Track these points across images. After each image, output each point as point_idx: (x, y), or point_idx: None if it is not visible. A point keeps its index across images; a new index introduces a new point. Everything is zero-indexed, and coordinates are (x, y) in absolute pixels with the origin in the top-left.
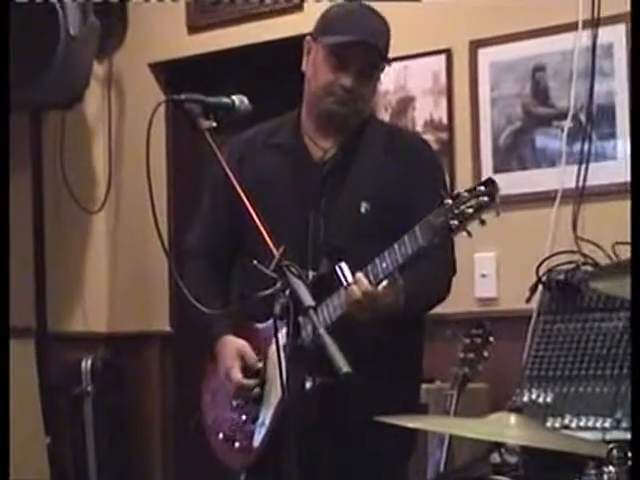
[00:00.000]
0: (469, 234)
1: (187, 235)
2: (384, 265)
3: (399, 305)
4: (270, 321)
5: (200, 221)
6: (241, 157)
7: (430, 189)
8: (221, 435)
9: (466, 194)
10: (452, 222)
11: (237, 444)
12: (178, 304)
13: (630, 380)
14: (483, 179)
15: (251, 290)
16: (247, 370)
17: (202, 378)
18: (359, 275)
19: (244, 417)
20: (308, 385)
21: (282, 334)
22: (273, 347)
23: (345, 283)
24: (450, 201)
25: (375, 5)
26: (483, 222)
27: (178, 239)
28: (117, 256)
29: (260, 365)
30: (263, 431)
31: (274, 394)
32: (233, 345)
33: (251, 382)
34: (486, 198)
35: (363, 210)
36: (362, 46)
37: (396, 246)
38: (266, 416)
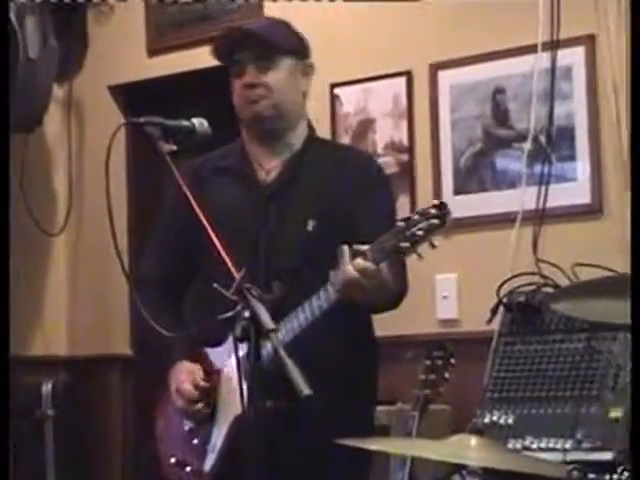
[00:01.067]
0: (419, 256)
1: (140, 262)
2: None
3: (392, 294)
4: (221, 346)
5: (153, 248)
6: (192, 184)
7: (375, 204)
8: (173, 459)
9: (417, 217)
10: (403, 244)
11: (189, 468)
12: (139, 327)
13: (630, 381)
14: (435, 202)
15: (205, 314)
16: (197, 388)
17: (155, 406)
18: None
19: (196, 440)
20: (266, 406)
21: (231, 360)
22: (226, 370)
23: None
24: (402, 224)
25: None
26: (433, 245)
27: (139, 262)
28: (77, 279)
29: (207, 385)
30: (214, 454)
31: (226, 417)
32: (184, 367)
33: (199, 405)
34: (436, 221)
35: (310, 228)
36: (243, 39)
37: (375, 245)
38: (218, 439)
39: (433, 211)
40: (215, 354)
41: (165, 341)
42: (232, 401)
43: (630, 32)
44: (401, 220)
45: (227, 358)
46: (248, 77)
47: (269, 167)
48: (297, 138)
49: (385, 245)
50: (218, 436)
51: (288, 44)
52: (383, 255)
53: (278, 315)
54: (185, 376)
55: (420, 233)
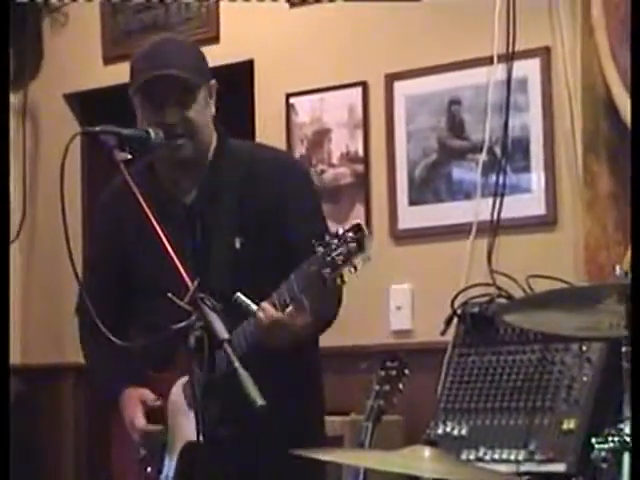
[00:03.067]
0: (343, 282)
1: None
2: (285, 294)
3: (308, 327)
4: (165, 371)
5: (88, 269)
6: (111, 217)
7: (300, 206)
8: None
9: (335, 241)
10: (325, 271)
11: None
12: (80, 330)
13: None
14: (352, 223)
15: (150, 333)
16: (151, 414)
17: (110, 433)
18: (264, 304)
19: (149, 469)
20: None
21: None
22: (173, 393)
23: (251, 312)
24: (321, 249)
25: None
26: (355, 268)
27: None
28: (31, 287)
29: (160, 406)
30: None
31: (176, 443)
32: (133, 394)
33: (156, 428)
34: (354, 244)
35: (238, 245)
36: (163, 81)
37: (284, 286)
38: (170, 467)
39: (350, 234)
40: (160, 379)
41: (106, 369)
42: (182, 426)
43: (631, 35)
44: (320, 245)
45: (172, 382)
46: (170, 115)
47: (185, 185)
48: (208, 153)
49: (308, 272)
50: (170, 464)
51: (201, 75)
52: (306, 283)
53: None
54: (136, 406)
55: (340, 258)
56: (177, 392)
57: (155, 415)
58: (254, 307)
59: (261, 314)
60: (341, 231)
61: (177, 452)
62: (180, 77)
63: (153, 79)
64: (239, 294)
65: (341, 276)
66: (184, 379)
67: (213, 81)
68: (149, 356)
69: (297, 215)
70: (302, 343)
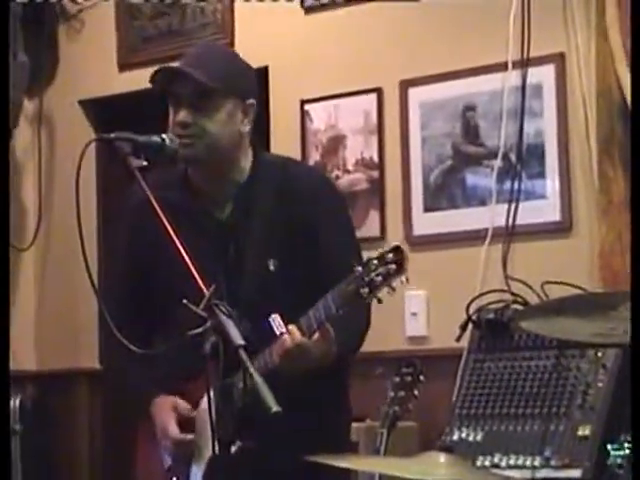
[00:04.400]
0: (379, 301)
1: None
2: (312, 320)
3: (331, 356)
4: (197, 381)
5: (114, 276)
6: (140, 220)
7: (335, 234)
8: None
9: (375, 262)
10: (363, 290)
11: None
12: (107, 341)
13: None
14: (392, 245)
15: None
16: (183, 423)
17: (135, 442)
18: (291, 327)
19: (175, 478)
20: (236, 445)
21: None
22: (204, 401)
23: (278, 333)
24: (360, 269)
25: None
26: (393, 289)
27: (108, 275)
28: (45, 293)
29: (193, 416)
30: None
31: (205, 451)
32: (165, 402)
33: (189, 436)
34: (394, 266)
35: (272, 268)
36: (182, 78)
37: (311, 312)
38: (197, 478)
39: (390, 256)
40: (191, 388)
41: (138, 376)
42: (210, 437)
43: (631, 35)
44: (359, 265)
45: (203, 392)
46: (181, 115)
47: (219, 199)
48: (241, 172)
49: (345, 291)
50: (197, 474)
51: (230, 86)
52: (342, 302)
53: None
54: (169, 414)
55: (379, 279)
56: (206, 402)
57: (186, 424)
58: (280, 330)
59: (286, 337)
60: (381, 252)
61: (204, 462)
62: (194, 77)
63: (168, 72)
64: (275, 315)
65: (378, 297)
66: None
67: (251, 100)
68: (180, 365)
69: (331, 235)
70: (320, 371)
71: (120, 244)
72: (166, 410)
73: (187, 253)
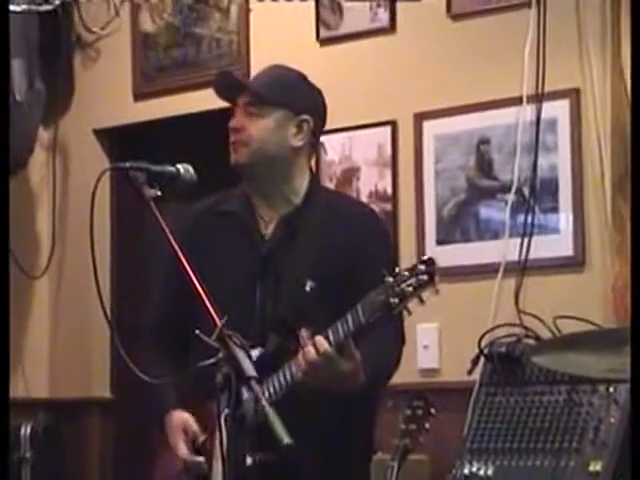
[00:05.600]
0: (409, 312)
1: (147, 310)
2: (340, 331)
3: (358, 380)
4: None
5: (152, 299)
6: (192, 228)
7: (375, 261)
8: None
9: (406, 273)
10: (393, 300)
11: None
12: (119, 371)
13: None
14: (423, 257)
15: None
16: (193, 444)
17: (151, 456)
18: (318, 337)
19: None
20: (249, 461)
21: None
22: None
23: (304, 346)
24: (391, 279)
25: None
26: (422, 301)
27: (120, 306)
28: (59, 322)
29: (202, 439)
30: None
31: (220, 471)
32: (178, 419)
33: (197, 458)
34: (425, 277)
35: (308, 289)
36: (235, 85)
37: (339, 323)
38: None
39: (422, 267)
40: (214, 404)
41: (156, 389)
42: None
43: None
44: (390, 275)
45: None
46: (234, 121)
47: (267, 219)
48: (295, 193)
49: (375, 300)
50: None
51: (279, 96)
52: (372, 311)
53: (269, 369)
54: (178, 433)
55: (409, 289)
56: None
57: (196, 441)
58: (307, 342)
59: (311, 348)
60: (413, 264)
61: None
62: (245, 85)
63: (225, 78)
64: (304, 329)
65: (407, 308)
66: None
67: (305, 116)
68: (198, 387)
69: (372, 268)
70: (347, 393)
71: (164, 264)
72: (177, 429)
73: (227, 268)
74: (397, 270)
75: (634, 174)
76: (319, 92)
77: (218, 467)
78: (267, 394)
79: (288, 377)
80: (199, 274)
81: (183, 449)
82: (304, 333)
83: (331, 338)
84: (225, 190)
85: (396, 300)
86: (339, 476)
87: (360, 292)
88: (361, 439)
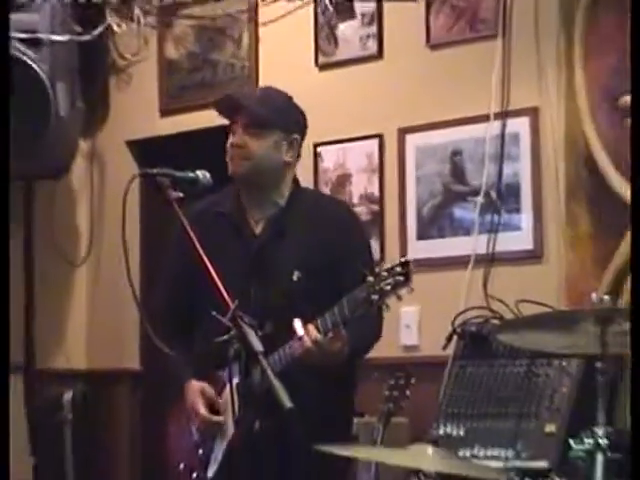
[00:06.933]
0: (387, 307)
1: (153, 295)
2: (328, 321)
3: (344, 354)
4: (224, 369)
5: (162, 282)
6: (197, 226)
7: (353, 251)
8: (182, 465)
9: (385, 273)
10: (373, 297)
11: (194, 474)
12: (146, 346)
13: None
14: (401, 260)
15: (207, 340)
16: (209, 406)
17: (168, 419)
18: (310, 326)
19: (201, 451)
20: (257, 425)
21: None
22: (228, 389)
23: (299, 334)
24: (372, 279)
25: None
26: (399, 297)
27: (148, 290)
28: (95, 303)
29: (219, 402)
30: (216, 464)
31: (227, 432)
32: (196, 387)
33: (215, 417)
34: (402, 278)
35: (295, 278)
36: (238, 107)
37: (328, 313)
38: (219, 451)
39: (399, 269)
40: (222, 375)
41: (175, 362)
42: (231, 420)
43: (631, 35)
44: (371, 275)
45: (228, 379)
46: (236, 138)
47: (257, 219)
48: (281, 196)
49: (358, 297)
50: (220, 448)
51: (277, 120)
52: (355, 306)
53: (269, 349)
54: (197, 396)
55: (388, 288)
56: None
57: (212, 407)
58: (301, 332)
59: (305, 336)
60: (391, 265)
61: (227, 439)
62: (250, 108)
63: (231, 101)
64: (297, 319)
65: (385, 303)
66: (235, 380)
67: (296, 135)
68: (210, 359)
69: (352, 257)
70: (334, 366)
71: (171, 256)
72: (195, 394)
73: (225, 261)
74: (377, 270)
75: (634, 174)
76: (302, 112)
77: (226, 429)
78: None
79: (286, 357)
80: (198, 267)
81: (203, 410)
82: (297, 323)
83: (321, 327)
84: (218, 191)
85: (376, 297)
86: (326, 433)
87: (340, 279)
88: (343, 402)
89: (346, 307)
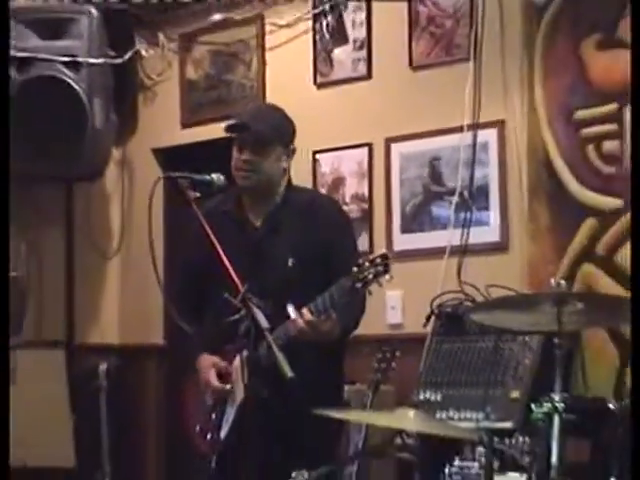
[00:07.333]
0: (370, 293)
1: (173, 282)
2: (320, 305)
3: (335, 333)
4: (232, 344)
5: (180, 271)
6: (207, 222)
7: (340, 242)
8: (198, 428)
9: (367, 264)
10: (357, 285)
11: (209, 436)
12: (169, 325)
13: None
14: (380, 252)
15: (217, 319)
16: (220, 376)
17: (185, 387)
18: (304, 309)
19: (214, 415)
20: (264, 392)
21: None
22: (236, 362)
23: (292, 317)
24: (356, 269)
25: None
26: (380, 284)
27: (170, 277)
28: (126, 288)
29: (228, 372)
30: (227, 426)
31: (237, 398)
32: (208, 360)
33: (224, 386)
34: (382, 268)
35: (290, 264)
36: (247, 130)
37: (319, 298)
38: (230, 415)
39: (379, 260)
40: (231, 349)
41: (190, 339)
42: (241, 387)
43: (631, 34)
44: (356, 266)
45: (236, 353)
46: (246, 155)
47: (256, 214)
48: (277, 194)
49: (344, 285)
50: (231, 412)
51: (279, 137)
52: (342, 293)
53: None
54: (209, 368)
55: (370, 277)
56: (239, 362)
57: (223, 377)
58: (294, 315)
59: (299, 318)
60: (373, 257)
61: (237, 404)
62: (257, 130)
63: (239, 125)
64: (289, 304)
65: (369, 290)
66: (244, 353)
67: (292, 146)
68: (221, 335)
69: (340, 249)
70: (326, 343)
71: (188, 248)
72: (208, 365)
73: (230, 252)
74: (360, 262)
75: (634, 174)
76: (292, 121)
77: (236, 396)
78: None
79: (284, 335)
80: (210, 257)
81: (214, 379)
82: (290, 307)
83: (313, 310)
84: (224, 193)
85: (360, 285)
86: (319, 398)
87: (329, 267)
88: (334, 372)
89: (335, 294)
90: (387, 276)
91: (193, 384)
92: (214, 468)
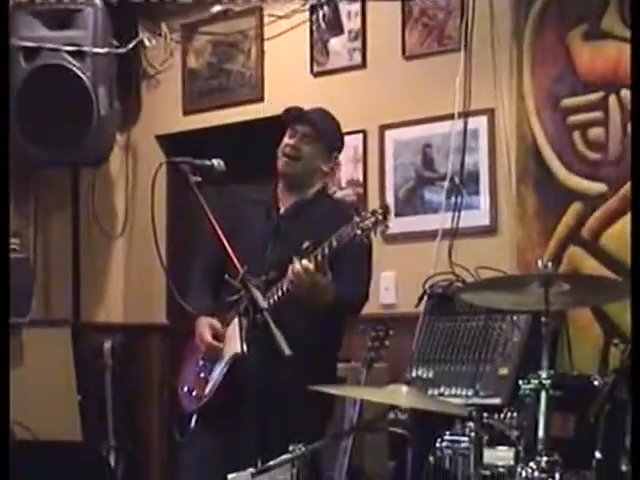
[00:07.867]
0: (369, 239)
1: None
2: (319, 254)
3: (329, 294)
4: (229, 312)
5: (201, 253)
6: (236, 210)
7: (352, 249)
8: (185, 388)
9: (368, 214)
10: (357, 232)
11: (194, 392)
12: (171, 304)
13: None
14: (381, 204)
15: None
16: (215, 337)
17: (183, 355)
18: (303, 260)
19: (203, 374)
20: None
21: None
22: (231, 326)
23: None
24: (357, 218)
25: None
26: (384, 229)
27: (173, 259)
28: (130, 268)
29: (223, 331)
30: (213, 382)
31: (227, 355)
32: (205, 320)
33: (218, 343)
34: (380, 217)
35: (304, 247)
36: (303, 116)
37: (319, 248)
38: (218, 371)
39: (379, 210)
40: (227, 317)
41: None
42: (232, 346)
43: (631, 34)
44: (356, 215)
45: (231, 320)
46: (294, 140)
47: (286, 203)
48: (310, 192)
49: (344, 232)
50: (217, 370)
51: (329, 140)
52: (341, 238)
53: (271, 287)
54: (206, 327)
55: (369, 224)
56: (233, 326)
57: (217, 338)
58: (298, 265)
59: (297, 263)
60: (373, 208)
61: (226, 361)
62: (314, 121)
63: (298, 111)
64: (295, 258)
65: (368, 238)
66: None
67: (335, 153)
68: (222, 308)
69: (350, 253)
70: (320, 305)
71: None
72: (204, 324)
73: (255, 236)
74: (361, 211)
75: (634, 174)
76: (343, 137)
77: (225, 357)
78: (271, 301)
79: (282, 288)
80: (238, 238)
81: (208, 337)
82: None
83: (312, 258)
84: (261, 184)
85: (359, 231)
86: (314, 371)
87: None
88: (330, 345)
89: (334, 239)
90: (385, 225)
91: (189, 351)
92: (195, 424)
